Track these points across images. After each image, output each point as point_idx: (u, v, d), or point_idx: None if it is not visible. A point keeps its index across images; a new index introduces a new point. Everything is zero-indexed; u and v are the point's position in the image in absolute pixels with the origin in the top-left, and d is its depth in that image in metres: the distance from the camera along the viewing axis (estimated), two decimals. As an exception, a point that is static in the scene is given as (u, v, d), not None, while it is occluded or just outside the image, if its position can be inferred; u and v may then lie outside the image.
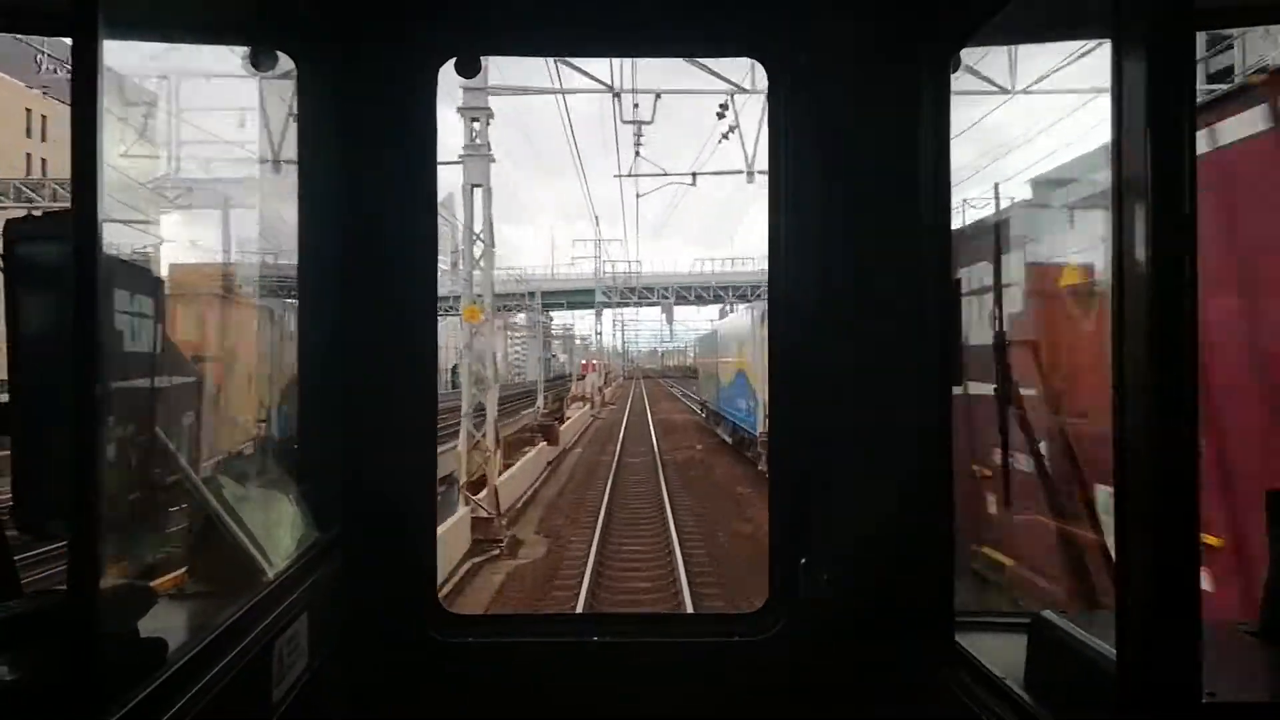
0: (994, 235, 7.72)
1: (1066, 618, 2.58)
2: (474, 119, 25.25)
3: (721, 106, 27.04)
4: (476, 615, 12.10)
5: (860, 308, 3.37)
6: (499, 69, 25.01)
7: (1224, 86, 10.66)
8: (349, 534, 3.34)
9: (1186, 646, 1.79)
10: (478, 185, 25.54)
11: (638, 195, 44.86)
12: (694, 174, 35.79)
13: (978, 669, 2.80)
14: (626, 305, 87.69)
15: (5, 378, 1.97)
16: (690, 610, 16.16)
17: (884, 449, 3.32)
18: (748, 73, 25.87)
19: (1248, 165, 6.34)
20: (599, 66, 25.53)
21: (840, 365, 3.37)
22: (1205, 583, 2.14)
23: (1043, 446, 4.92)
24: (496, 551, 22.33)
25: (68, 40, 1.73)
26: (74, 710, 1.71)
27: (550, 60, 23.93)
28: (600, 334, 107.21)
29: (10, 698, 1.78)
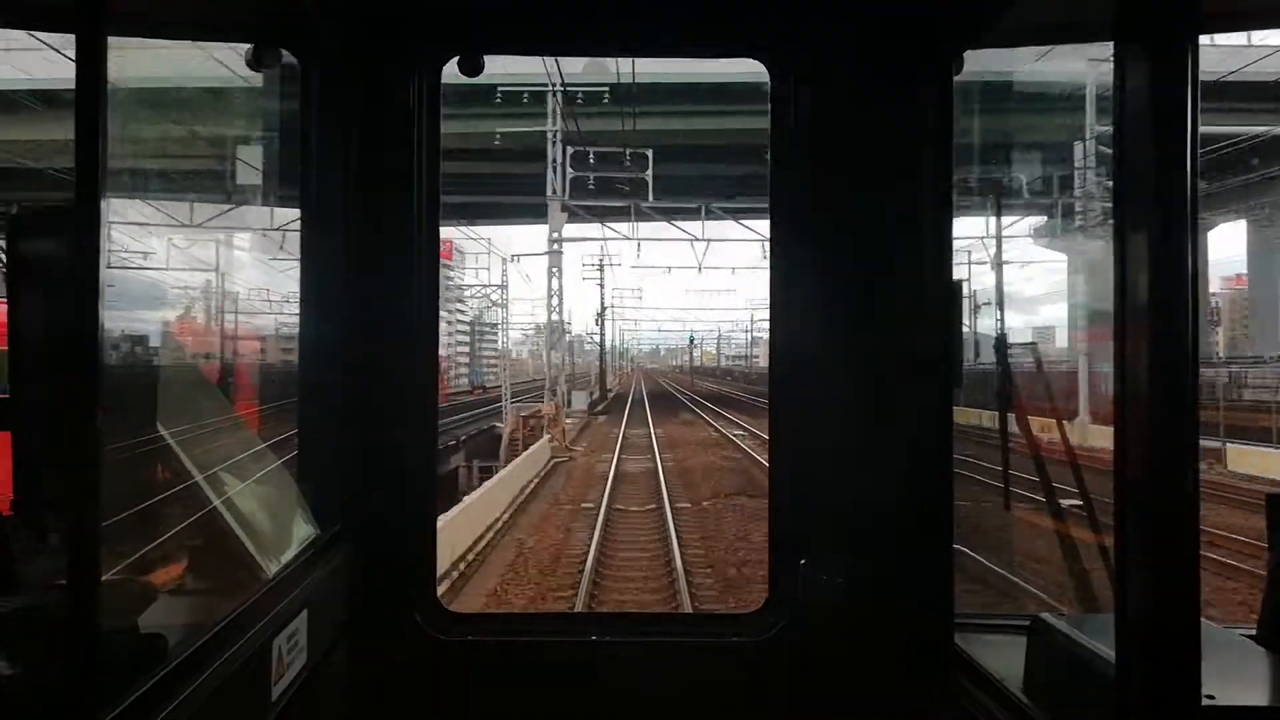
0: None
1: (1066, 621, 2.58)
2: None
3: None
4: (476, 613, 12.09)
5: (860, 308, 3.37)
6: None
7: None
8: (349, 531, 3.34)
9: (1186, 650, 1.79)
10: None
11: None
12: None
13: (977, 671, 2.81)
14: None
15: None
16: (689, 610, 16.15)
17: (884, 449, 3.32)
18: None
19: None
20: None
21: (840, 365, 3.38)
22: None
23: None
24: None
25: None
26: (73, 707, 1.71)
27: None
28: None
29: (9, 694, 1.78)
